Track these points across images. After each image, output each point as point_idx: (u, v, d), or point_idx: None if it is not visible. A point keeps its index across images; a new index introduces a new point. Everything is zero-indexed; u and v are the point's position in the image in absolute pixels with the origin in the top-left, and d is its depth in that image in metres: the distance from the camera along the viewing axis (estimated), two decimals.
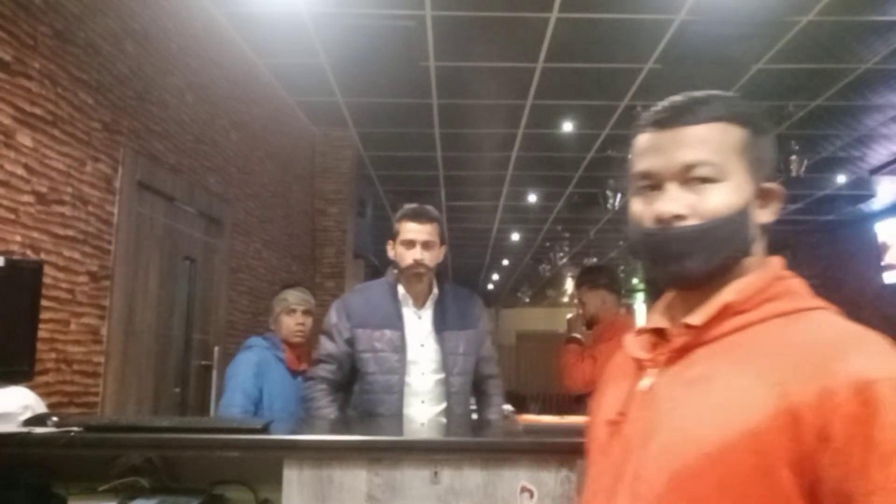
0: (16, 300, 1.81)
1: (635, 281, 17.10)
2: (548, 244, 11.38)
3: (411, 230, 2.30)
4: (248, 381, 2.74)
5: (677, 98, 0.83)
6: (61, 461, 1.64)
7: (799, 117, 5.46)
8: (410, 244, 2.29)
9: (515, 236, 10.85)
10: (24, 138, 2.41)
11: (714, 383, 0.72)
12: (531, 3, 3.86)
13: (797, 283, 0.79)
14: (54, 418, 1.64)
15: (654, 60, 4.54)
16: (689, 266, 0.78)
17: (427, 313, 2.35)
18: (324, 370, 2.31)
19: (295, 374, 2.89)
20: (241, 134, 4.41)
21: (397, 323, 2.29)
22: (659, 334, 0.84)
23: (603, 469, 0.81)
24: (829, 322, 0.74)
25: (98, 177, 2.84)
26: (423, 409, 2.24)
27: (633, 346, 0.86)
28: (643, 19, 4.02)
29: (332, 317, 2.35)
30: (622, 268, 14.05)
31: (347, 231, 6.05)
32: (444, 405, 2.27)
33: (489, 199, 8.49)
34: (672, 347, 0.80)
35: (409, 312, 2.34)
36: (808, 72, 4.71)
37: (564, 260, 12.31)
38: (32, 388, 1.85)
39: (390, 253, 2.38)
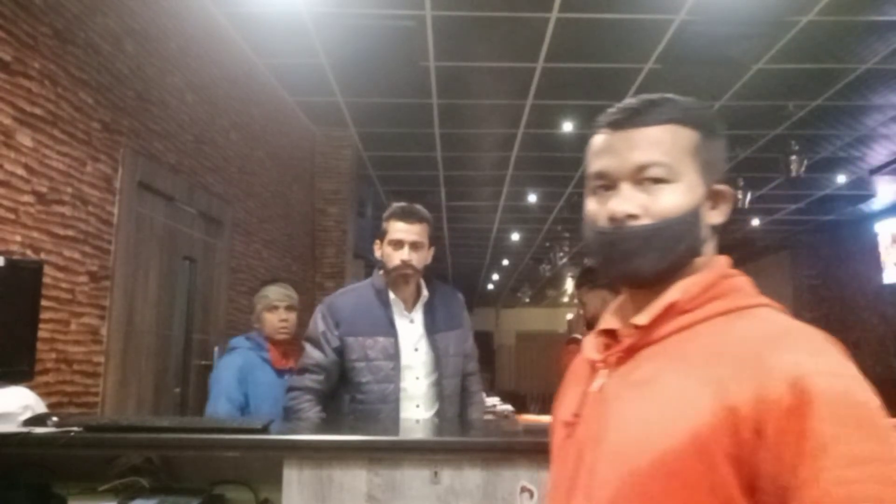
0: (16, 300, 1.81)
1: None
2: (548, 244, 11.38)
3: (400, 230, 2.22)
4: (231, 386, 2.68)
5: (631, 100, 0.84)
6: (61, 461, 1.64)
7: (799, 117, 5.46)
8: (398, 244, 2.21)
9: (515, 236, 10.85)
10: (24, 138, 2.41)
11: (658, 384, 0.74)
12: (531, 3, 3.86)
13: (742, 282, 0.81)
14: (54, 418, 1.64)
15: (654, 60, 4.55)
16: (641, 265, 0.79)
17: (418, 316, 2.28)
18: (310, 380, 2.20)
19: (281, 372, 2.82)
20: (241, 134, 4.41)
21: (390, 329, 2.21)
22: (611, 335, 0.85)
23: (560, 470, 0.83)
24: (769, 319, 0.75)
25: (98, 177, 2.84)
26: (417, 413, 2.21)
27: (588, 347, 0.88)
28: (643, 19, 4.02)
29: (319, 324, 2.23)
30: None
31: (347, 231, 6.05)
32: (437, 407, 2.24)
33: (489, 199, 8.49)
34: (620, 348, 0.81)
35: (400, 317, 2.26)
36: (808, 72, 4.71)
37: (564, 260, 12.31)
38: (32, 388, 1.85)
39: (377, 253, 2.29)
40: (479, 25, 4.11)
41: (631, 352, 0.80)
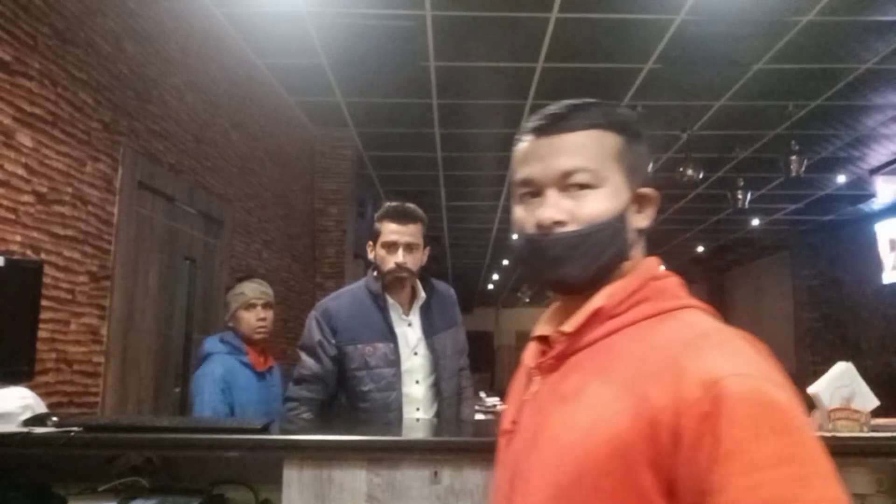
0: (16, 300, 1.81)
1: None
2: None
3: (393, 231, 2.15)
4: (216, 399, 2.53)
5: (555, 106, 0.84)
6: (61, 461, 1.64)
7: (799, 117, 5.46)
8: (392, 246, 2.15)
9: (515, 236, 10.84)
10: (24, 138, 2.41)
11: (584, 391, 0.74)
12: (531, 3, 3.86)
13: (669, 283, 0.81)
14: (54, 418, 1.64)
15: (654, 60, 4.54)
16: (569, 271, 0.80)
17: (415, 319, 2.23)
18: (308, 391, 2.15)
19: (261, 374, 2.72)
20: (241, 134, 4.41)
21: (388, 335, 2.16)
22: (545, 341, 0.85)
23: (500, 478, 0.83)
24: (692, 321, 0.75)
25: (98, 177, 2.84)
26: (417, 415, 2.19)
27: (527, 353, 0.88)
28: (643, 19, 4.02)
29: (314, 332, 2.16)
30: None
31: (347, 231, 6.05)
32: (435, 408, 2.22)
33: (489, 199, 8.49)
34: (550, 356, 0.81)
35: (398, 321, 2.20)
36: (808, 72, 4.71)
37: None
38: (32, 388, 1.85)
39: (370, 255, 2.23)
40: (479, 25, 4.11)
41: (561, 358, 0.80)
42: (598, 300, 0.78)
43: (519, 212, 0.84)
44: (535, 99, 5.19)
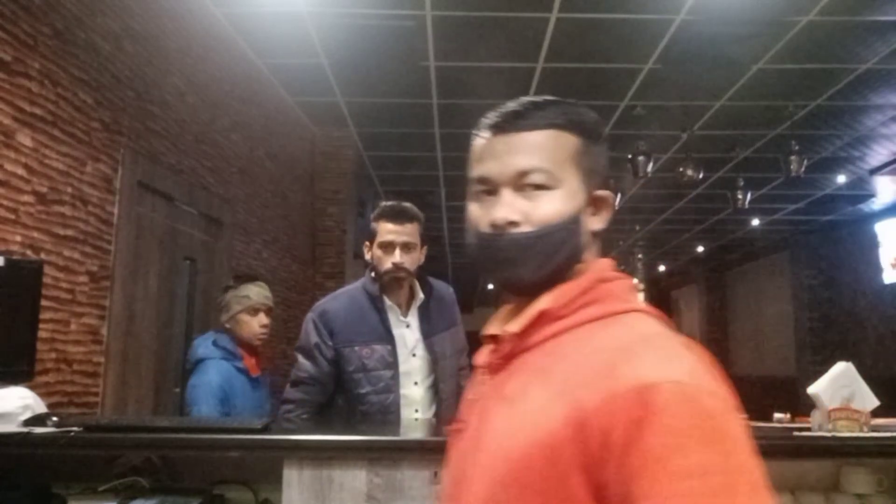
0: (16, 300, 1.82)
1: (635, 281, 17.08)
2: None
3: (389, 231, 2.12)
4: (213, 410, 2.41)
5: (513, 103, 0.83)
6: (61, 461, 1.64)
7: (799, 117, 5.46)
8: (389, 247, 2.12)
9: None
10: (24, 138, 2.40)
11: (525, 393, 0.74)
12: (531, 3, 3.86)
13: (617, 286, 0.80)
14: (54, 418, 1.64)
15: (654, 60, 4.54)
16: (521, 272, 0.79)
17: (414, 320, 2.21)
18: (305, 392, 2.14)
19: (254, 380, 2.62)
20: (241, 134, 4.41)
21: (386, 336, 2.13)
22: (495, 341, 0.84)
23: (449, 476, 0.83)
24: (634, 326, 0.74)
25: (98, 177, 2.84)
26: (416, 416, 2.17)
27: (479, 353, 0.88)
28: (643, 19, 4.02)
29: (311, 335, 2.14)
30: (622, 268, 14.05)
31: (347, 231, 6.05)
32: (433, 410, 2.20)
33: None
34: (497, 356, 0.81)
35: (396, 322, 2.18)
36: (808, 72, 4.71)
37: None
38: (32, 388, 1.85)
39: (367, 255, 2.21)
40: (479, 25, 4.10)
41: (507, 359, 0.80)
42: (545, 301, 0.78)
43: (474, 209, 0.83)
44: None
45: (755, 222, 9.54)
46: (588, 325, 0.75)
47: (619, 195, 6.98)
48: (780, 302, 11.19)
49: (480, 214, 0.82)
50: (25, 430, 1.57)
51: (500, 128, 0.81)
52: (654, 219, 9.52)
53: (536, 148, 0.79)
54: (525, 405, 0.72)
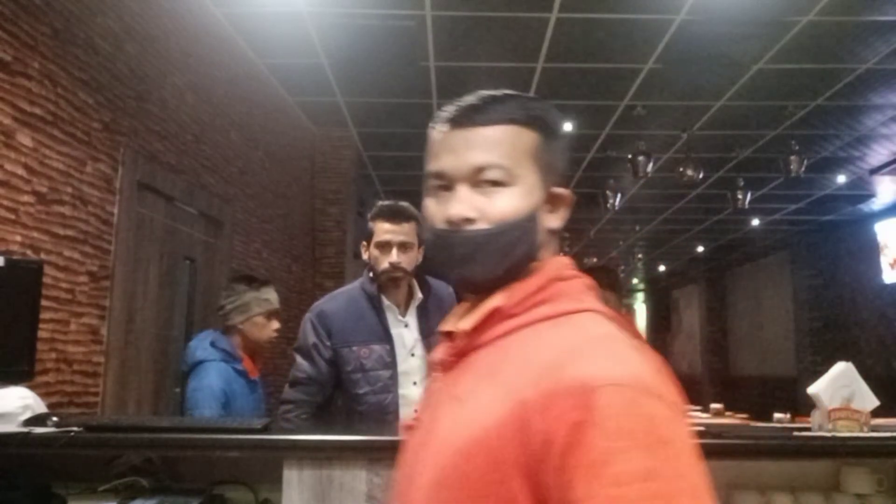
0: (16, 300, 1.82)
1: (635, 281, 17.10)
2: None
3: (386, 231, 2.12)
4: (215, 414, 2.37)
5: (471, 96, 0.81)
6: (61, 461, 1.64)
7: (799, 117, 5.46)
8: (386, 246, 2.11)
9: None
10: (24, 138, 2.41)
11: (473, 391, 0.73)
12: (531, 3, 3.86)
13: (572, 286, 0.79)
14: (54, 418, 1.64)
15: (654, 60, 4.54)
16: (476, 270, 0.78)
17: (412, 320, 2.20)
18: (304, 393, 2.13)
19: (253, 382, 2.61)
20: (241, 134, 4.41)
21: (384, 336, 2.13)
22: (450, 338, 0.83)
23: (401, 473, 0.82)
24: (585, 326, 0.73)
25: (98, 177, 2.84)
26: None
27: (435, 349, 0.87)
28: (643, 19, 4.02)
29: (309, 335, 2.14)
30: (622, 268, 14.05)
31: (347, 231, 6.05)
32: None
33: None
34: (450, 353, 0.80)
35: (394, 322, 2.17)
36: (808, 72, 4.71)
37: None
38: (32, 388, 1.85)
39: (364, 255, 2.21)
40: (479, 25, 4.11)
41: (459, 356, 0.79)
42: (498, 299, 0.76)
43: (430, 205, 0.82)
44: None
45: (755, 222, 9.55)
46: (540, 325, 0.74)
47: (618, 195, 6.98)
48: (780, 302, 11.20)
49: (436, 210, 0.81)
50: (25, 430, 1.57)
51: (457, 122, 0.80)
52: (654, 219, 9.52)
53: (494, 143, 0.78)
54: (473, 404, 0.71)
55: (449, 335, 0.83)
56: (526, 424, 0.64)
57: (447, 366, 0.80)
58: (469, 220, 0.77)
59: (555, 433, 0.62)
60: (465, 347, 0.78)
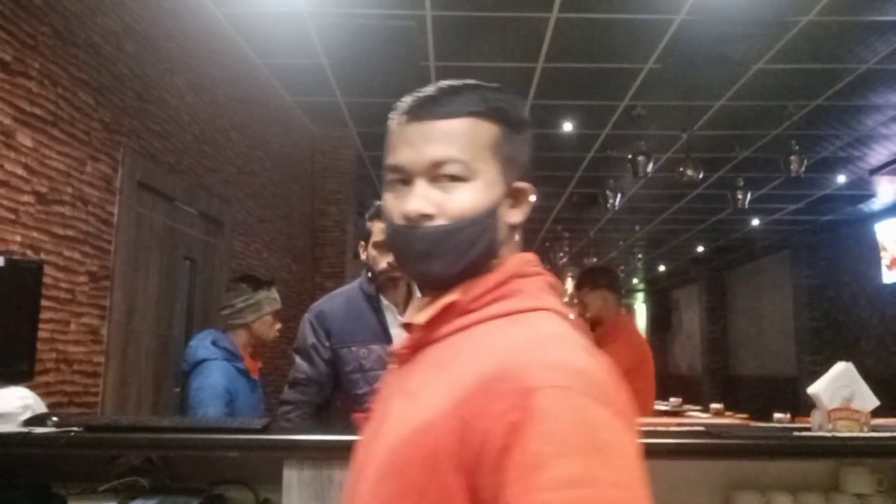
0: (16, 300, 1.82)
1: (635, 281, 17.10)
2: (547, 244, 11.38)
3: (384, 230, 2.16)
4: (220, 413, 2.39)
5: (431, 87, 0.79)
6: (61, 461, 1.64)
7: (799, 117, 5.46)
8: (384, 246, 2.08)
9: (515, 236, 10.84)
10: (24, 138, 2.40)
11: (423, 386, 0.72)
12: (531, 3, 3.86)
13: (532, 283, 0.77)
14: (54, 418, 1.64)
15: (654, 60, 4.54)
16: (434, 267, 0.76)
17: None
18: (303, 393, 2.13)
19: (253, 381, 2.64)
20: (241, 134, 4.41)
21: (383, 336, 2.11)
22: (408, 329, 0.82)
23: (353, 467, 0.81)
24: (537, 325, 0.72)
25: (98, 177, 2.84)
26: None
27: (396, 341, 0.87)
28: (643, 19, 4.02)
29: (308, 336, 2.14)
30: (622, 268, 14.05)
31: (347, 231, 6.05)
32: None
33: None
34: (406, 346, 0.79)
35: (393, 321, 2.14)
36: (808, 72, 4.71)
37: (564, 260, 12.31)
38: (32, 388, 1.85)
39: (363, 255, 2.21)
40: (479, 25, 4.11)
41: (414, 350, 0.78)
42: (454, 294, 0.75)
43: (388, 199, 0.80)
44: (535, 99, 5.20)
45: (755, 222, 9.54)
46: (494, 321, 0.73)
47: (618, 195, 6.99)
48: (780, 302, 11.19)
49: (394, 205, 0.79)
50: (25, 430, 1.57)
51: (414, 114, 0.78)
52: (653, 219, 9.52)
53: (453, 137, 0.76)
54: (420, 398, 0.70)
55: (407, 327, 0.81)
56: (466, 421, 0.63)
57: (403, 359, 0.79)
58: (427, 217, 0.76)
59: (493, 432, 0.61)
60: (421, 341, 0.77)
